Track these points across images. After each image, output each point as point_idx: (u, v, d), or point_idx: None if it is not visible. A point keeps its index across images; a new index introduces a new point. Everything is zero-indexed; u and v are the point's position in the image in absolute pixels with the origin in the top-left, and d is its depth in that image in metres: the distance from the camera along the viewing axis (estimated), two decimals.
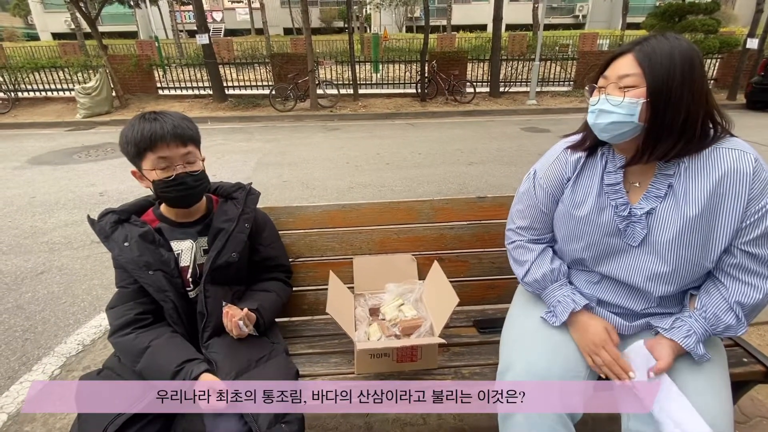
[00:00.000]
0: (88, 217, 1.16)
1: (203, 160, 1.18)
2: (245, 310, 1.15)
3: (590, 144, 1.09)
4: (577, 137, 1.13)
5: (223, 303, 1.15)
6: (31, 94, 10.84)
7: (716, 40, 10.62)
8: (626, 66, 0.93)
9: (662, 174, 0.98)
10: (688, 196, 0.95)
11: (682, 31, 10.57)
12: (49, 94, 10.89)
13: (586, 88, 1.04)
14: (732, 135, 0.97)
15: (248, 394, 1.01)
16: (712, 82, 12.01)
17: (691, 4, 10.82)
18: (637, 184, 1.03)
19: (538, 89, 11.09)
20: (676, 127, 0.91)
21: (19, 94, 10.67)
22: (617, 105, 0.93)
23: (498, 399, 1.06)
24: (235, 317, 1.11)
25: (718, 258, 0.97)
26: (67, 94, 10.58)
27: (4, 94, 10.36)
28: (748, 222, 0.92)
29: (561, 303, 1.10)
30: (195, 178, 1.13)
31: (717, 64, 11.83)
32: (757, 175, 0.91)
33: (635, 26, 21.73)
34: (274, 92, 10.01)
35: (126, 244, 1.11)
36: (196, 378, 1.01)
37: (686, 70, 0.89)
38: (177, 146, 1.09)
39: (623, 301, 1.09)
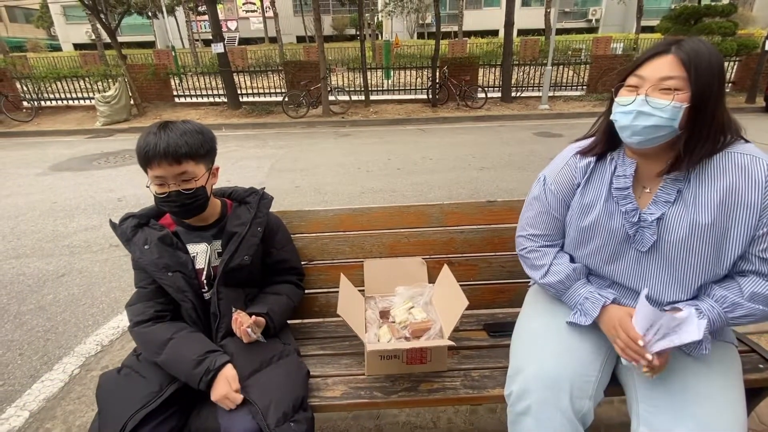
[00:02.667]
0: (110, 221, 1.21)
1: (215, 170, 1.21)
2: (253, 317, 1.17)
3: (601, 149, 1.07)
4: (587, 142, 1.12)
5: (233, 309, 1.17)
6: (54, 102, 11.19)
7: (734, 42, 10.44)
8: (669, 67, 0.89)
9: (671, 179, 0.97)
10: (698, 202, 0.94)
11: (698, 34, 10.43)
12: (71, 102, 11.22)
13: (613, 89, 1.00)
14: (745, 140, 0.96)
15: (259, 393, 1.04)
16: (730, 85, 11.79)
17: (707, 7, 10.67)
18: (647, 190, 1.02)
19: (551, 94, 11.01)
20: (712, 133, 0.91)
21: (42, 102, 11.02)
22: (661, 108, 0.89)
23: (508, 401, 1.07)
24: (244, 325, 1.13)
25: (732, 265, 0.96)
26: (88, 102, 10.89)
27: (28, 102, 10.72)
28: (763, 230, 0.91)
29: (589, 299, 1.07)
30: (187, 196, 1.13)
31: (735, 66, 11.61)
32: None
33: (650, 29, 21.46)
34: (286, 99, 10.14)
35: (146, 246, 1.15)
36: (220, 367, 1.05)
37: (721, 77, 0.89)
38: (170, 165, 1.08)
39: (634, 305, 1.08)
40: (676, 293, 1.01)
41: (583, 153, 1.10)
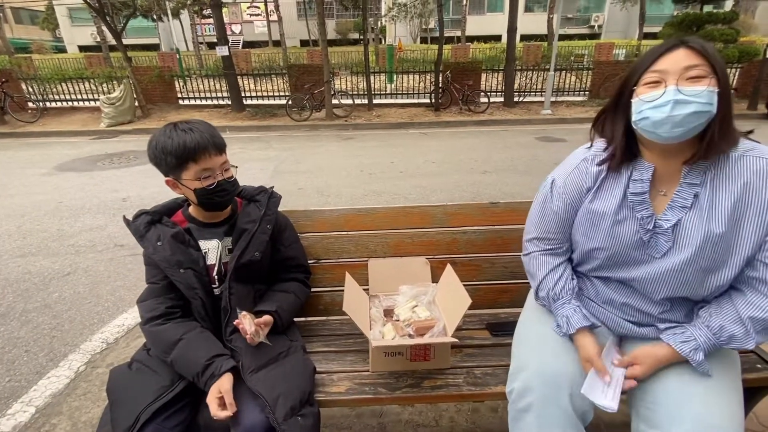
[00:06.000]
0: (124, 217, 1.24)
1: (236, 167, 1.26)
2: (257, 320, 1.16)
3: (620, 161, 1.03)
4: (600, 149, 1.08)
5: (238, 311, 1.17)
6: (58, 104, 11.27)
7: (735, 49, 10.46)
8: (688, 58, 0.89)
9: (687, 183, 0.97)
10: (714, 208, 0.94)
11: None
12: (75, 104, 11.30)
13: (635, 88, 0.96)
14: (752, 139, 0.97)
15: (267, 387, 1.07)
16: (732, 92, 11.80)
17: (709, 14, 10.70)
18: (663, 193, 1.01)
19: (553, 99, 11.04)
20: (732, 116, 0.93)
21: (47, 104, 11.10)
22: (697, 94, 0.87)
23: (509, 399, 1.09)
24: (247, 333, 1.12)
25: (739, 271, 0.96)
26: (92, 104, 10.97)
27: (33, 103, 10.81)
28: None
29: (560, 324, 1.12)
30: (231, 183, 1.22)
31: (737, 73, 11.64)
32: None
33: (652, 36, 21.53)
34: (290, 102, 10.20)
35: (159, 243, 1.17)
36: (223, 374, 1.07)
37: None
38: (217, 155, 1.16)
39: (637, 304, 1.08)
40: (690, 296, 1.02)
41: (601, 163, 1.06)
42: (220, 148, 1.18)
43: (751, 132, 0.99)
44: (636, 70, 0.97)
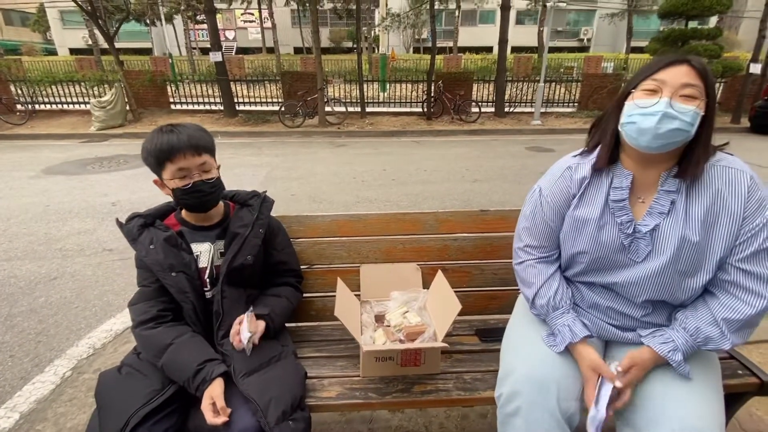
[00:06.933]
0: (117, 220, 1.25)
1: (218, 168, 1.26)
2: (261, 327, 1.19)
3: (605, 162, 1.07)
4: (584, 158, 1.12)
5: (250, 308, 1.20)
6: (48, 106, 11.15)
7: (719, 64, 10.78)
8: (688, 76, 0.93)
9: (665, 191, 1.02)
10: (689, 215, 0.99)
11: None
12: (65, 106, 11.20)
13: (633, 91, 1.00)
14: (724, 152, 1.02)
15: (259, 391, 1.07)
16: (716, 105, 12.11)
17: (694, 30, 11.01)
18: (642, 200, 1.06)
19: (543, 110, 11.23)
20: (710, 140, 0.98)
21: (36, 106, 10.98)
22: (684, 113, 0.92)
23: (498, 403, 1.11)
24: (244, 335, 1.14)
25: (713, 274, 1.01)
26: (82, 107, 10.89)
27: (22, 105, 10.67)
28: (742, 239, 0.97)
29: (560, 333, 1.11)
30: (210, 185, 1.20)
31: (720, 88, 11.95)
32: (752, 194, 0.96)
33: (639, 50, 22.04)
34: (283, 109, 10.23)
35: (152, 246, 1.18)
36: (215, 378, 1.07)
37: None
38: (193, 156, 1.16)
39: (620, 307, 1.11)
40: (670, 300, 1.06)
41: (597, 162, 1.09)
42: (198, 149, 1.17)
43: (725, 144, 1.04)
44: (638, 75, 1.02)
